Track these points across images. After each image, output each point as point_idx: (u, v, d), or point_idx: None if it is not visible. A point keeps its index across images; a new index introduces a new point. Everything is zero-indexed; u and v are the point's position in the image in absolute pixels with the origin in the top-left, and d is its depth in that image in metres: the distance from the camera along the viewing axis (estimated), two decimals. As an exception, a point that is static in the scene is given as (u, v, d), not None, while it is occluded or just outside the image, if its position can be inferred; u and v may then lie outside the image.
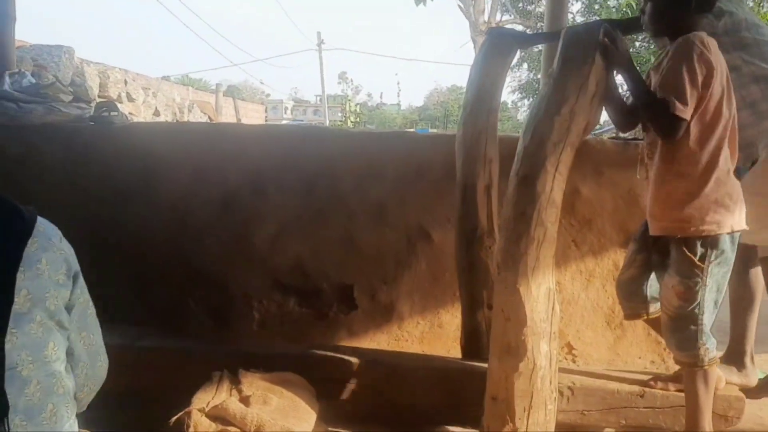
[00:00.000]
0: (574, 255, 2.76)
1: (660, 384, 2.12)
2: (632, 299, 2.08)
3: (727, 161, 1.83)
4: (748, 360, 2.38)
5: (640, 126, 2.01)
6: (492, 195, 2.27)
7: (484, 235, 2.28)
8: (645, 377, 2.22)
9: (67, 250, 1.14)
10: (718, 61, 1.77)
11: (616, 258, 2.76)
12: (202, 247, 2.78)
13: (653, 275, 2.03)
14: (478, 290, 2.31)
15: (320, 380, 2.15)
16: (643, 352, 2.74)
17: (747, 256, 2.19)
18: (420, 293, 2.81)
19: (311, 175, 2.76)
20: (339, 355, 2.31)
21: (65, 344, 1.12)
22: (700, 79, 1.73)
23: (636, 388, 2.14)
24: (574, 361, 2.79)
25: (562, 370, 2.15)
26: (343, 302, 2.81)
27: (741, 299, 2.32)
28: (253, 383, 2.01)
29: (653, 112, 1.78)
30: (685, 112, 1.72)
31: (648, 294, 2.04)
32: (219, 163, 2.76)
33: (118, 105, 2.99)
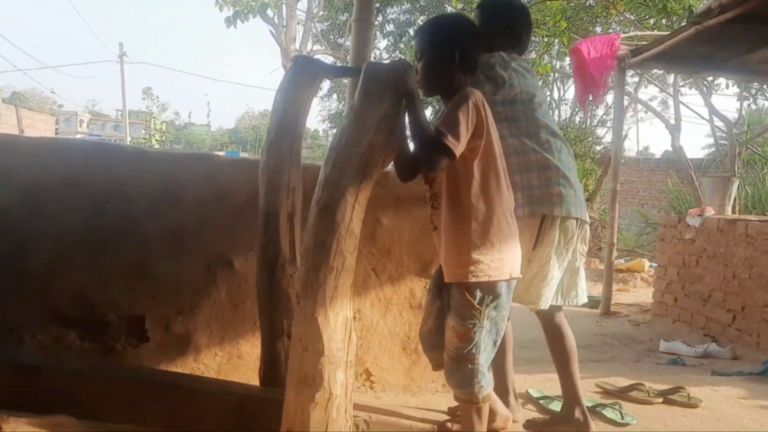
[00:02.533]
0: (373, 283, 2.83)
1: (456, 427, 2.20)
2: (435, 350, 2.12)
3: (506, 210, 1.97)
4: (511, 398, 2.58)
5: None
6: (295, 223, 2.25)
7: (286, 263, 2.24)
8: (441, 417, 2.32)
9: None
10: (489, 119, 1.91)
11: (413, 286, 2.88)
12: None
13: None
14: (278, 319, 2.26)
15: (107, 402, 1.97)
16: (435, 377, 2.87)
17: None
18: (219, 323, 2.69)
19: (99, 196, 2.53)
20: (131, 375, 2.13)
21: None
22: (471, 125, 1.84)
23: (427, 426, 2.22)
24: (371, 388, 2.85)
25: (360, 407, 2.16)
26: (133, 334, 2.59)
27: None
28: (17, 429, 1.77)
29: (426, 142, 1.82)
30: (455, 146, 1.79)
31: None
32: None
33: None
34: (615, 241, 7.28)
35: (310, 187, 1.94)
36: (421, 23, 2.15)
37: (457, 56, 1.94)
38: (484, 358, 1.95)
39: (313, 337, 1.71)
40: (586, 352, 5.24)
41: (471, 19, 2.32)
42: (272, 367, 2.28)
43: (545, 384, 3.13)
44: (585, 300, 2.52)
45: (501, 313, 1.96)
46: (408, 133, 1.92)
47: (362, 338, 2.78)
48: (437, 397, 2.83)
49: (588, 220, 2.43)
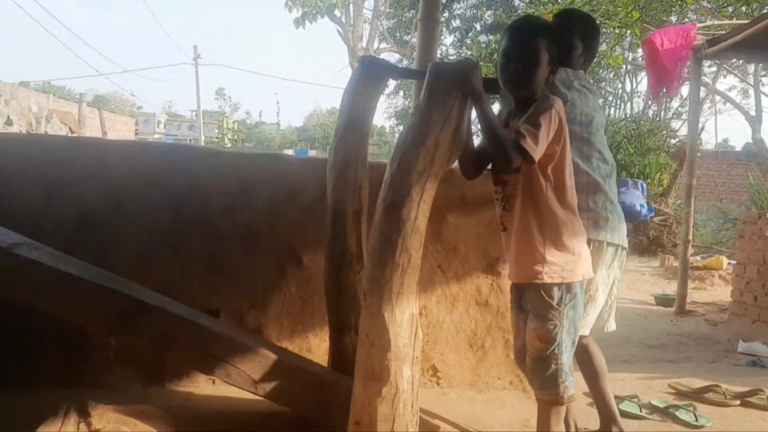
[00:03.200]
0: (439, 280, 2.86)
1: None
2: None
3: (577, 214, 1.98)
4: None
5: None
6: (362, 221, 2.30)
7: (353, 260, 2.29)
8: None
9: None
10: (566, 128, 1.93)
11: (479, 282, 2.89)
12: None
13: None
14: (346, 314, 2.32)
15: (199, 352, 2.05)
16: (502, 374, 2.88)
17: None
18: (289, 317, 2.78)
19: (178, 195, 2.66)
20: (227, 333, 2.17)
21: None
22: (552, 132, 1.85)
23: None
24: (438, 384, 2.87)
25: (430, 414, 2.15)
26: (209, 327, 2.71)
27: None
28: (104, 416, 1.89)
29: (503, 142, 1.82)
30: (534, 150, 1.81)
31: None
32: (75, 179, 2.59)
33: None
34: (690, 237, 7.00)
35: (376, 184, 1.98)
36: (514, 22, 2.12)
37: (556, 63, 1.95)
38: (566, 357, 1.96)
39: (379, 332, 1.75)
40: (659, 351, 5.08)
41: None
42: (340, 361, 2.34)
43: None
44: (614, 328, 2.47)
45: (578, 312, 1.98)
46: (477, 130, 1.93)
47: (428, 334, 2.81)
48: (504, 394, 2.83)
49: (626, 246, 2.38)
